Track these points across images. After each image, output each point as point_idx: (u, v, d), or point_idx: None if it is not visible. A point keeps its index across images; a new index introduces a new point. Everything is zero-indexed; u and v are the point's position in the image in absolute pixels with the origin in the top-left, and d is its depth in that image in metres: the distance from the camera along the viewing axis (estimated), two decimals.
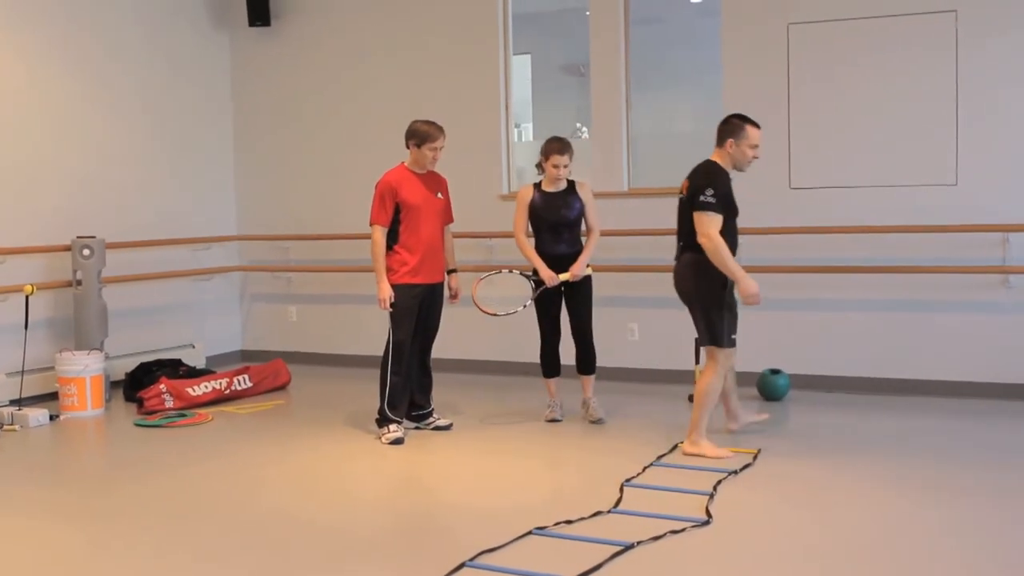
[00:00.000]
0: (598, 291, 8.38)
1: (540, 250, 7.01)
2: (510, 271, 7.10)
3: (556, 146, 6.94)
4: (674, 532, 4.77)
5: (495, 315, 6.91)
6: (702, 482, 5.57)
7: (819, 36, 7.93)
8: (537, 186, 7.09)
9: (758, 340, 8.03)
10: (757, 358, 7.92)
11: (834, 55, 7.90)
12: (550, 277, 6.88)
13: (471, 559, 4.45)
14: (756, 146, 6.13)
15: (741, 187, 8.16)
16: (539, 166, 7.11)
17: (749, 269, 8.02)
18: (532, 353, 8.88)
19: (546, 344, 7.18)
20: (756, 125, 6.14)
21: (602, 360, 8.38)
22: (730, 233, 6.13)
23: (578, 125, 12.00)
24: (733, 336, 6.19)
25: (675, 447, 6.31)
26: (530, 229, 7.12)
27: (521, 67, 11.88)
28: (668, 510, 5.07)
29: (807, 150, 7.95)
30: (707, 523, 4.92)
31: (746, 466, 5.91)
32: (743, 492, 5.43)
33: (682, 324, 6.57)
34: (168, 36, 9.40)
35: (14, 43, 8.15)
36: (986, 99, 7.53)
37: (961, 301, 7.65)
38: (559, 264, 6.95)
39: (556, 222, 7.00)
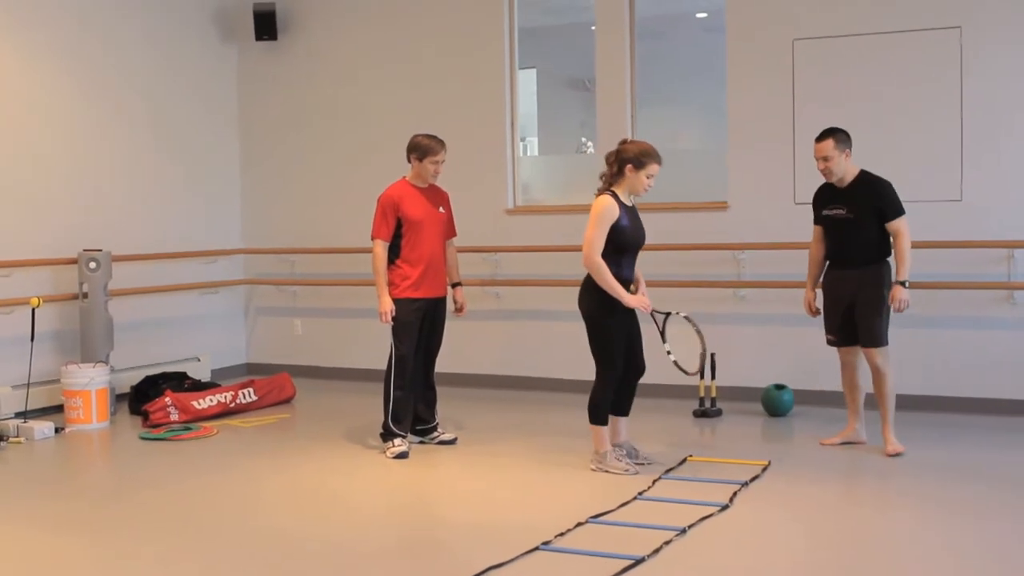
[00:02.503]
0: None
1: (622, 276, 6.05)
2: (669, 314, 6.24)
3: (658, 155, 6.08)
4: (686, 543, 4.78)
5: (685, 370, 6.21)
6: (714, 494, 5.58)
7: (824, 52, 7.95)
8: (616, 197, 6.08)
9: (762, 355, 8.04)
10: (761, 373, 7.92)
11: (839, 71, 7.91)
12: (646, 304, 6.07)
13: (477, 575, 4.45)
14: None
15: (741, 200, 8.20)
16: (613, 176, 6.11)
17: (754, 284, 8.07)
18: (534, 367, 8.94)
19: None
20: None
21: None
22: None
23: (583, 140, 12.01)
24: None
25: (684, 460, 6.29)
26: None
27: (527, 81, 11.90)
28: (679, 522, 5.07)
29: (812, 165, 7.90)
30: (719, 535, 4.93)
31: (755, 478, 5.91)
32: (754, 506, 5.43)
33: None
34: (176, 50, 9.43)
35: (23, 59, 8.18)
36: (991, 115, 7.54)
37: (966, 317, 7.65)
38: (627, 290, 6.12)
39: (639, 243, 6.18)
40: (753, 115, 8.21)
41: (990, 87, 7.54)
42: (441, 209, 6.88)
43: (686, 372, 6.17)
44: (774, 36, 8.10)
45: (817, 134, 6.53)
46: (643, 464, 6.22)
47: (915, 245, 7.46)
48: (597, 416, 6.13)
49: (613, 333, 6.04)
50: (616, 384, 6.12)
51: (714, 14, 9.29)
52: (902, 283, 6.33)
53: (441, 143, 6.78)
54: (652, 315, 6.13)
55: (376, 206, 6.76)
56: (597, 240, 5.93)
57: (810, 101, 7.99)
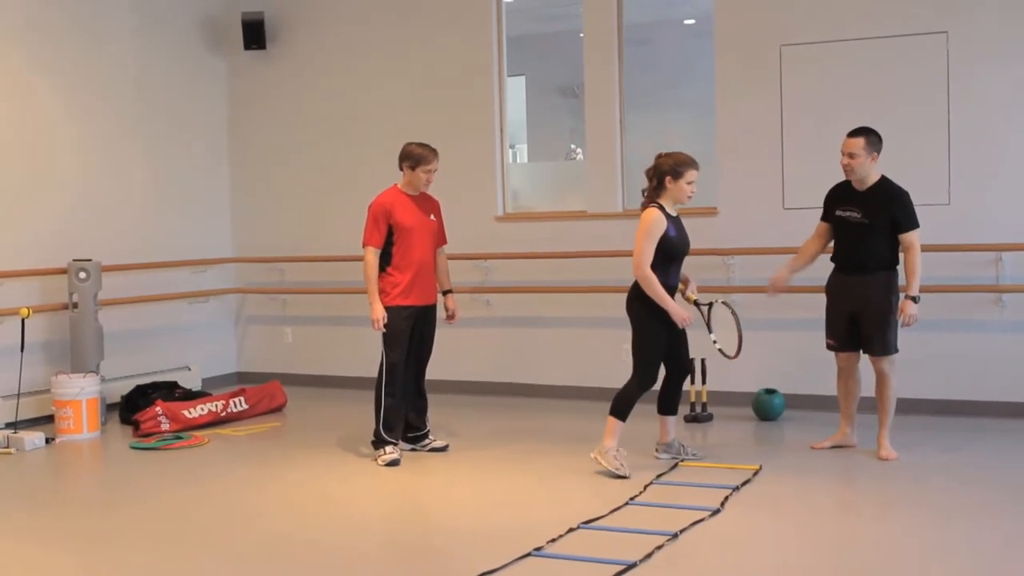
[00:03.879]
0: (593, 311, 8.45)
1: (670, 284, 6.26)
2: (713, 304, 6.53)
3: (694, 161, 6.30)
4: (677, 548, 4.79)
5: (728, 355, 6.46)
6: (705, 499, 5.59)
7: (811, 58, 7.98)
8: (662, 208, 6.26)
9: (753, 360, 8.05)
10: (752, 378, 7.94)
11: (827, 76, 7.95)
12: (687, 320, 6.24)
13: None
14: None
15: (730, 206, 8.23)
16: (655, 189, 6.29)
17: (743, 289, 8.10)
18: (525, 373, 8.95)
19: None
20: None
21: (597, 381, 8.42)
22: None
23: (572, 146, 12.04)
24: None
25: (675, 465, 6.31)
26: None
27: (515, 89, 11.92)
28: (671, 526, 5.07)
29: (801, 170, 7.99)
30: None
31: (746, 482, 5.92)
32: (745, 510, 5.44)
33: None
34: (165, 61, 9.43)
35: (11, 71, 8.18)
36: (977, 119, 7.58)
37: (955, 320, 7.67)
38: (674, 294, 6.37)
39: (686, 251, 6.39)
40: (741, 121, 8.24)
41: (977, 91, 7.57)
42: (432, 217, 6.90)
43: (728, 356, 6.41)
44: (761, 42, 8.13)
45: (853, 129, 6.48)
46: (694, 457, 6.49)
47: None
48: (618, 409, 6.25)
49: (658, 340, 6.26)
50: (643, 390, 6.29)
51: (702, 20, 9.34)
52: (913, 298, 6.31)
53: (434, 152, 6.79)
54: (698, 307, 6.46)
55: (367, 213, 6.77)
56: (647, 253, 6.15)
57: (798, 107, 8.02)
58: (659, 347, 6.29)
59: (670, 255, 6.24)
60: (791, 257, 6.88)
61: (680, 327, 6.24)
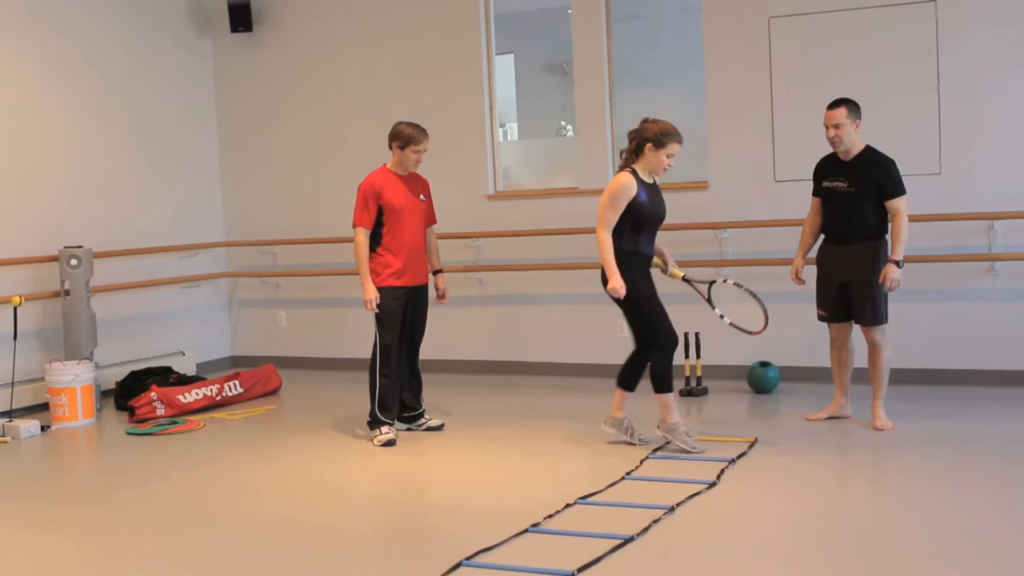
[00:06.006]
0: (587, 287, 8.41)
1: (640, 252, 6.10)
2: (724, 281, 6.39)
3: (679, 135, 6.08)
4: (674, 520, 4.80)
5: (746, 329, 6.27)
6: (701, 472, 5.61)
7: (800, 29, 7.96)
8: (635, 173, 6.08)
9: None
10: (746, 351, 7.95)
11: (815, 48, 7.93)
12: (619, 291, 5.99)
13: (468, 558, 4.46)
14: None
15: (721, 179, 8.23)
16: (632, 153, 6.12)
17: (736, 262, 8.10)
18: (519, 351, 8.96)
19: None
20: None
21: (591, 358, 8.43)
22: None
23: (563, 123, 12.01)
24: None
25: (669, 441, 6.28)
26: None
27: (504, 67, 11.88)
28: (667, 500, 5.09)
29: (791, 143, 7.98)
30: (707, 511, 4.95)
31: (741, 455, 5.94)
32: (741, 483, 5.46)
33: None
34: (150, 44, 9.38)
35: None
36: (967, 88, 7.57)
37: (948, 289, 7.69)
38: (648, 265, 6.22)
39: (659, 219, 6.18)
40: (731, 94, 8.23)
41: (966, 60, 7.56)
42: (422, 197, 6.88)
43: (751, 332, 6.23)
44: (750, 14, 8.11)
45: (830, 102, 6.46)
46: (640, 443, 6.25)
47: None
48: (662, 384, 6.11)
49: (651, 296, 6.07)
50: (670, 351, 6.12)
51: None
52: (896, 263, 6.31)
53: (424, 132, 6.77)
54: (690, 284, 6.25)
55: (357, 194, 6.75)
56: (607, 218, 5.97)
57: (787, 79, 8.01)
58: (655, 301, 6.09)
59: (641, 222, 6.02)
60: (798, 244, 6.85)
61: (611, 296, 5.98)
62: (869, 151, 6.47)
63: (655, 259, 6.23)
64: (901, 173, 6.39)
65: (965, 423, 6.60)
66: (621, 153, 6.21)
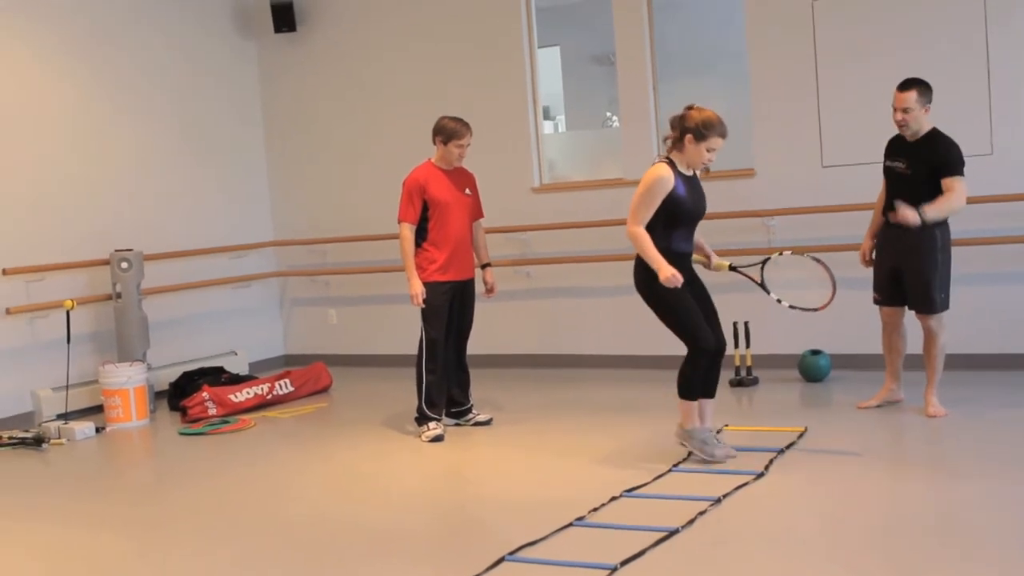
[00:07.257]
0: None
1: (673, 250, 5.59)
2: (791, 253, 6.05)
3: (723, 127, 5.56)
4: (718, 514, 4.75)
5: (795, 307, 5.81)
6: (749, 463, 5.54)
7: (844, 12, 7.83)
8: (674, 165, 5.61)
9: (797, 322, 7.95)
10: (797, 340, 7.86)
11: (860, 29, 7.80)
12: (677, 280, 5.49)
13: (512, 552, 4.45)
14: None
15: (768, 166, 8.13)
16: (675, 141, 5.59)
17: (782, 248, 7.98)
18: (567, 344, 8.92)
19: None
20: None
21: (640, 349, 8.38)
22: None
23: (608, 114, 11.96)
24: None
25: (720, 430, 6.11)
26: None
27: (551, 59, 11.85)
28: (714, 492, 5.05)
29: (838, 128, 7.86)
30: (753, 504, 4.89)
31: (790, 445, 5.87)
32: (790, 473, 5.39)
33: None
34: (196, 47, 9.48)
35: (44, 65, 8.26)
36: (1017, 65, 7.40)
37: (1001, 272, 7.52)
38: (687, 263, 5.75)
39: (698, 215, 5.71)
40: (775, 80, 8.12)
41: (1015, 37, 7.39)
42: (467, 191, 6.87)
43: (814, 309, 5.73)
44: None
45: (900, 81, 6.27)
46: (712, 458, 5.65)
47: None
48: (685, 390, 5.64)
49: (685, 300, 5.57)
50: (706, 357, 5.62)
51: None
52: (921, 215, 6.03)
53: (467, 126, 6.76)
54: (739, 272, 5.81)
55: (402, 189, 6.76)
56: (640, 211, 5.50)
57: (832, 63, 7.88)
58: (690, 304, 5.58)
59: (677, 218, 5.53)
60: (868, 225, 6.69)
61: (667, 287, 5.45)
62: (933, 133, 6.28)
63: (695, 255, 5.80)
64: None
65: (1022, 410, 6.46)
66: (665, 140, 5.71)
